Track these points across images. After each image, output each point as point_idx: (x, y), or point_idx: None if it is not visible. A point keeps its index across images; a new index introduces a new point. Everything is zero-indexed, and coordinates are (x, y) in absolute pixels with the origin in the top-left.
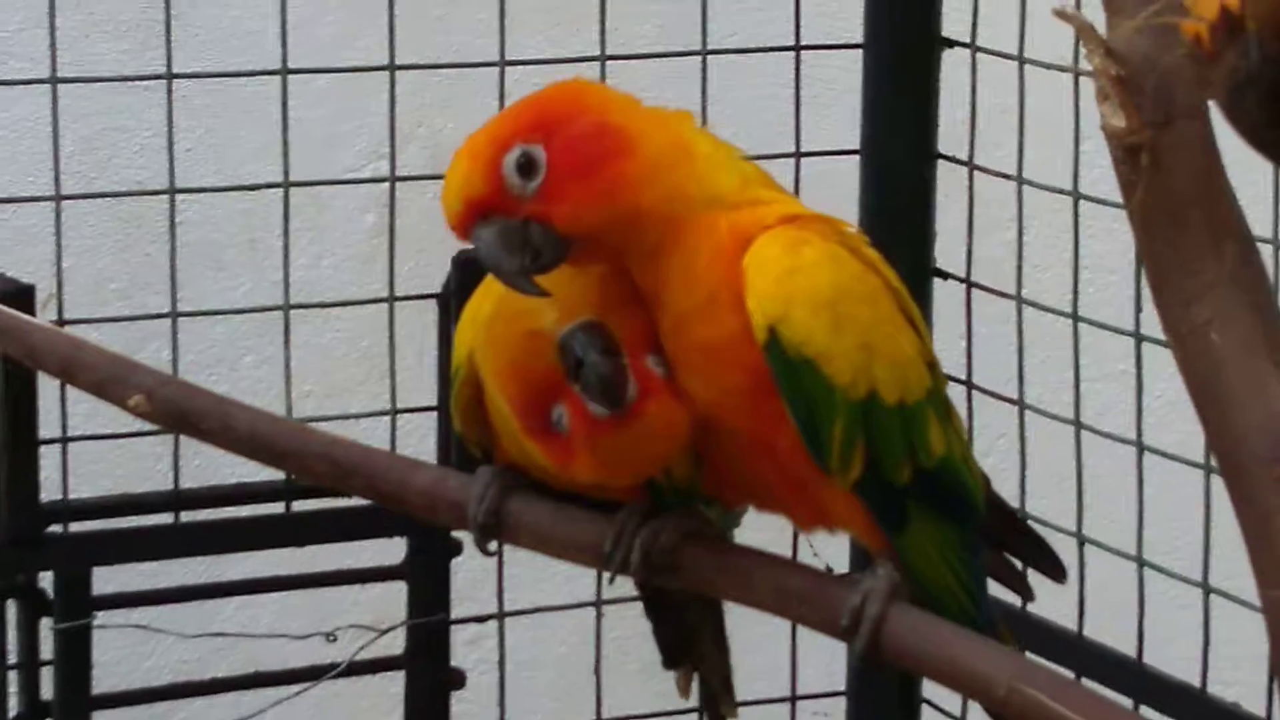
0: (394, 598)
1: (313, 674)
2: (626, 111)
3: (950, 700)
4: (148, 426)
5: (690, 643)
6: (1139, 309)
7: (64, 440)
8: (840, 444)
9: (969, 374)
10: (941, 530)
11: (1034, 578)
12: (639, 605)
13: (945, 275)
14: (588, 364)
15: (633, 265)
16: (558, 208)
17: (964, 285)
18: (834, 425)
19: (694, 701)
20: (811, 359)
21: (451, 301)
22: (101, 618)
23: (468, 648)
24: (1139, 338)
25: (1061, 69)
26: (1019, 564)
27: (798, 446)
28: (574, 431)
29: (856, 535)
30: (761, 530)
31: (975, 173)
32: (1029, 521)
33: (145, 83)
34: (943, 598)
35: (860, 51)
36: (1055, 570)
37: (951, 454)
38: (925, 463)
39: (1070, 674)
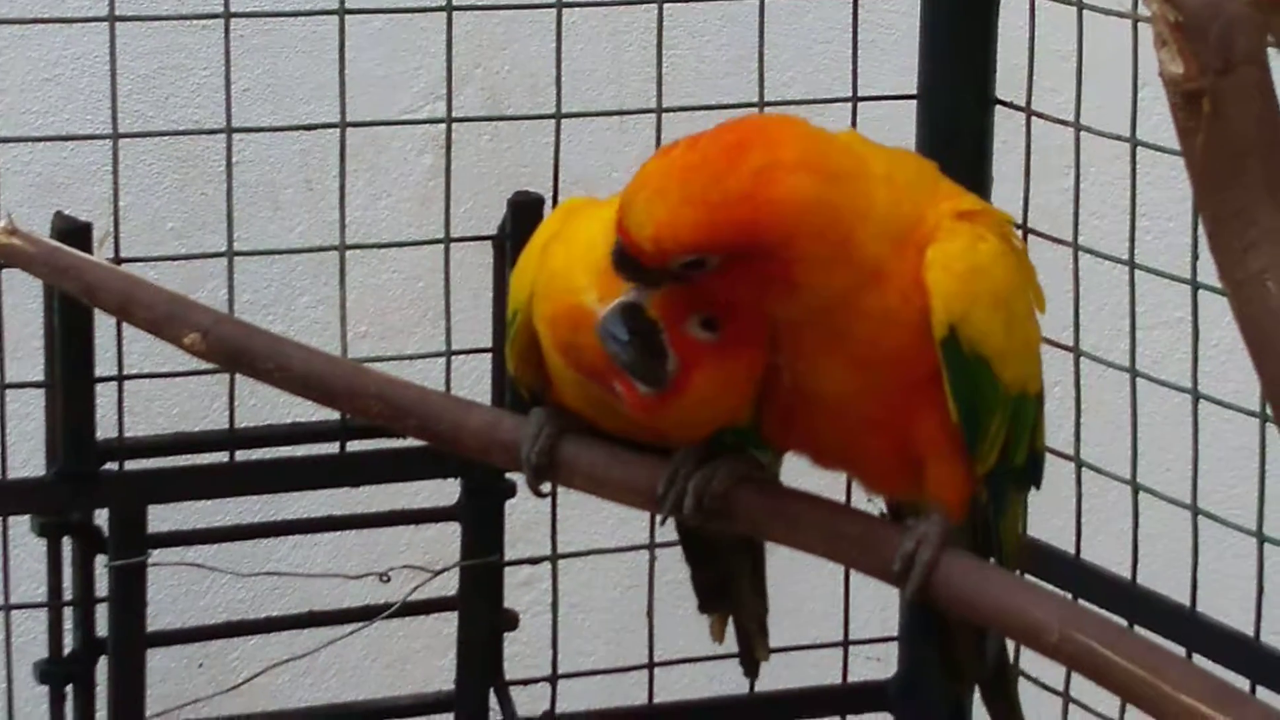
0: (448, 539)
1: (366, 614)
2: (820, 238)
3: None
4: (203, 365)
5: (728, 588)
6: (1196, 256)
7: (120, 378)
8: (993, 434)
9: None
10: (1021, 497)
11: (1089, 525)
12: None
13: None
14: (619, 354)
15: None
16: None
17: (1020, 232)
18: (993, 417)
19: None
20: (986, 356)
21: (507, 243)
22: (156, 555)
23: (521, 589)
24: (1195, 285)
25: (1120, 14)
26: None
27: (938, 432)
28: (630, 407)
29: (944, 504)
30: (815, 475)
31: (1033, 118)
32: (1083, 469)
33: (203, 22)
34: (1010, 555)
35: None
36: None
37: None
38: (1039, 446)
39: (1123, 621)
